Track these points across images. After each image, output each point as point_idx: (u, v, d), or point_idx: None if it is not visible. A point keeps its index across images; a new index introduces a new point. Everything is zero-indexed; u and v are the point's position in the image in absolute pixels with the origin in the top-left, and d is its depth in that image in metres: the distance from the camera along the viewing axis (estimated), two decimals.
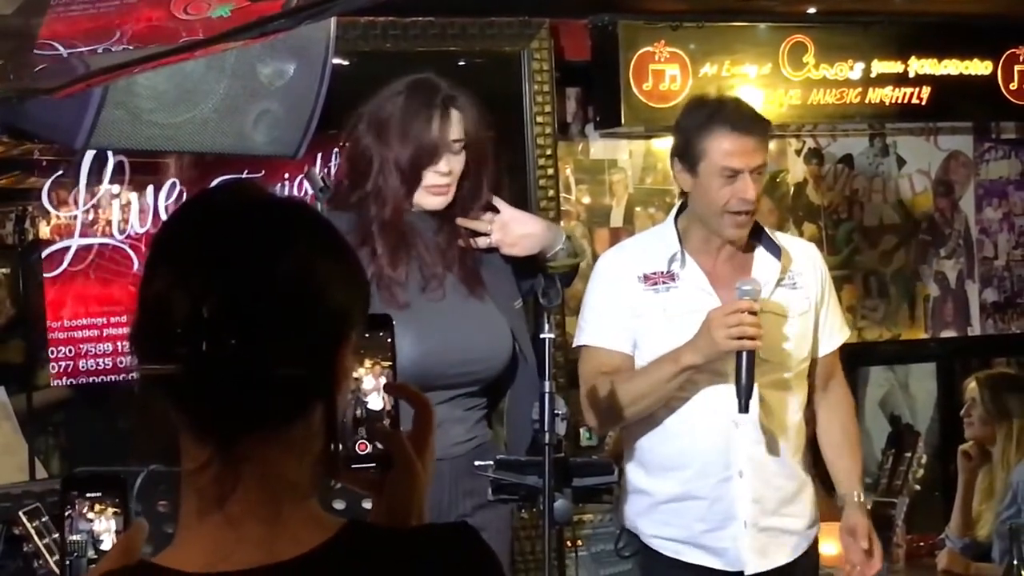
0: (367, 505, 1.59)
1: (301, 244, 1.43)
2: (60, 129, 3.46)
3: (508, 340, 3.45)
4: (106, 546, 1.67)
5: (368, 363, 1.56)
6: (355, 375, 1.53)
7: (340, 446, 1.48)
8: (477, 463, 3.20)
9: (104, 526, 1.68)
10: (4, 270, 4.50)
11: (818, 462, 3.87)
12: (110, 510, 1.68)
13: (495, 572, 1.50)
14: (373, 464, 1.55)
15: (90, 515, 1.67)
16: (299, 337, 1.39)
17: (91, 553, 1.67)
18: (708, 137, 3.53)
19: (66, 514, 1.67)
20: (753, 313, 3.42)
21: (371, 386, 1.56)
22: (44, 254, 4.28)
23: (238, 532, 1.40)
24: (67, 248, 4.31)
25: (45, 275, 4.29)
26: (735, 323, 3.41)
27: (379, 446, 1.55)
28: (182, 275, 1.39)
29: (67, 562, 1.68)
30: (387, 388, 1.56)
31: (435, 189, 3.39)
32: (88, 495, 1.68)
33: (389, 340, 1.57)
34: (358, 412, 1.55)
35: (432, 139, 3.36)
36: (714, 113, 3.57)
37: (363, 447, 1.55)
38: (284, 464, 1.41)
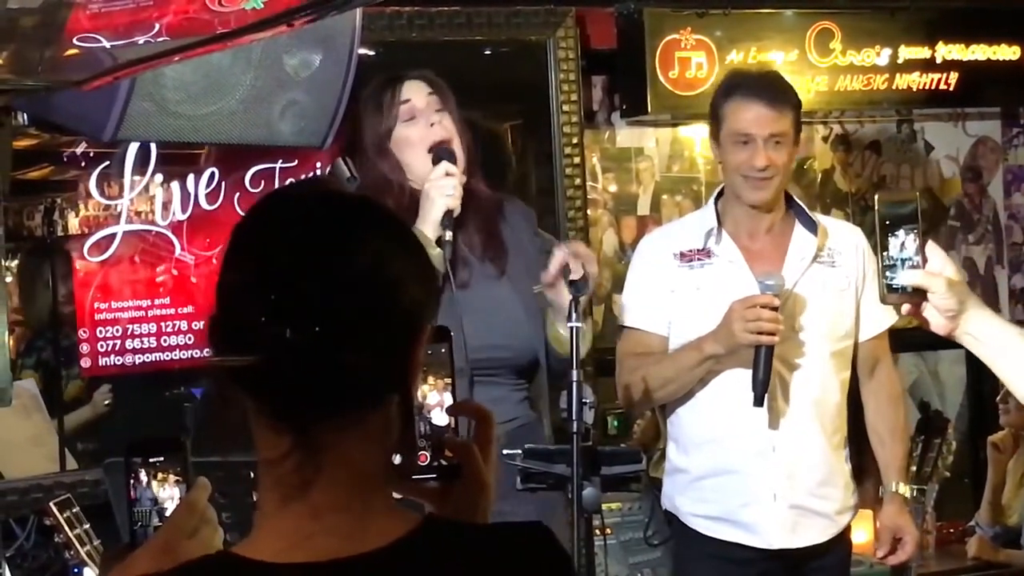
0: None
1: (376, 238, 1.45)
2: (88, 121, 3.48)
3: (527, 327, 3.48)
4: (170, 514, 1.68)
5: (431, 380, 1.60)
6: (419, 392, 1.56)
7: (404, 456, 1.51)
8: (506, 451, 3.21)
9: (168, 494, 1.69)
10: (34, 262, 4.50)
11: (869, 449, 3.89)
12: (172, 477, 1.69)
13: (569, 573, 1.51)
14: (434, 475, 1.59)
15: (153, 484, 1.69)
16: (376, 327, 1.41)
17: (156, 521, 1.68)
18: (727, 104, 3.69)
19: (130, 482, 1.68)
20: (774, 308, 3.44)
21: (435, 401, 1.60)
22: (89, 242, 4.29)
23: (322, 522, 1.41)
24: (113, 235, 4.33)
25: (92, 259, 4.30)
26: (753, 317, 3.43)
27: (442, 460, 1.58)
28: (264, 267, 1.42)
29: (132, 530, 1.69)
30: (450, 410, 1.60)
31: (433, 146, 3.44)
32: (151, 460, 1.69)
33: (449, 356, 1.61)
34: (424, 428, 1.59)
35: (387, 105, 3.45)
36: (736, 82, 3.74)
37: (423, 459, 1.59)
38: (362, 454, 1.43)
